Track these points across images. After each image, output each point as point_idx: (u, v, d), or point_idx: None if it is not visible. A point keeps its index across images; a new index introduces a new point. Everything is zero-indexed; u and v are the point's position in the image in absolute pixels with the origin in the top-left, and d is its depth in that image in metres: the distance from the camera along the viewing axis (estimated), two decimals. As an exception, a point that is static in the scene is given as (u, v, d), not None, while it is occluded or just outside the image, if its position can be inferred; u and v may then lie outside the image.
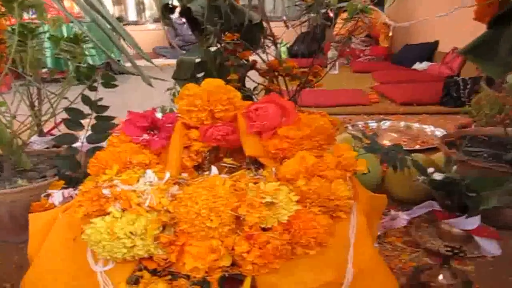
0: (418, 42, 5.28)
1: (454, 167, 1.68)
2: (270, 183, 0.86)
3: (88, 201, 0.87)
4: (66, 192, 1.15)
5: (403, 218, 1.28)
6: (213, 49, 1.87)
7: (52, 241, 0.96)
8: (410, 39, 5.57)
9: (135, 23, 6.68)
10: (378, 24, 5.52)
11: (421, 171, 1.63)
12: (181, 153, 1.02)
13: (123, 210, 0.83)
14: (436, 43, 4.99)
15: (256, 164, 1.09)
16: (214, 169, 0.99)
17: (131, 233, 0.80)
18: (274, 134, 1.01)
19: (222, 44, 1.74)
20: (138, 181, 0.87)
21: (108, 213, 0.83)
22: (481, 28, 1.36)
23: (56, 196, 1.13)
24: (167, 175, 0.90)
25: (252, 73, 1.81)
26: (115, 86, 1.94)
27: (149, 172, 0.89)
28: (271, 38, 1.88)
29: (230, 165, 1.10)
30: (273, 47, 1.90)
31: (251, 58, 1.80)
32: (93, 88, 1.84)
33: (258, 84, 1.80)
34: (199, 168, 1.12)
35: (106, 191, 0.85)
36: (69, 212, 0.96)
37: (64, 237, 0.94)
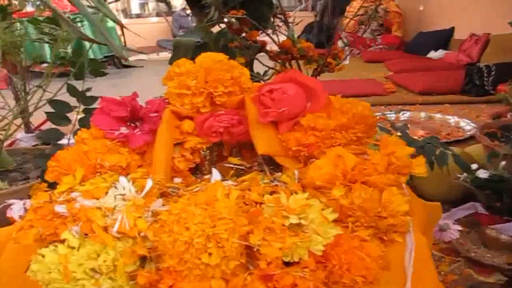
0: (432, 29, 4.95)
1: (502, 163, 1.39)
2: (296, 195, 0.59)
3: (41, 221, 0.60)
4: (29, 202, 0.87)
5: (454, 229, 1.00)
6: (216, 30, 1.59)
7: (1, 270, 0.69)
8: (423, 27, 5.23)
9: (138, 16, 6.41)
10: (390, 12, 5.20)
11: (464, 168, 1.35)
12: (171, 152, 0.75)
13: (85, 235, 0.56)
14: (451, 30, 4.66)
15: (272, 165, 0.81)
16: (215, 173, 0.71)
17: (93, 270, 0.53)
18: (296, 124, 0.73)
19: (226, 21, 1.45)
20: (106, 193, 0.60)
21: (63, 240, 0.56)
22: (498, 14, 1.07)
23: (16, 208, 0.86)
24: (149, 183, 0.62)
25: (261, 56, 1.53)
26: (104, 74, 1.68)
27: (123, 180, 0.62)
28: (282, 17, 1.60)
29: (237, 167, 0.83)
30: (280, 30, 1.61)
31: (259, 39, 1.52)
32: (79, 76, 1.57)
33: (269, 68, 1.52)
34: (196, 171, 0.84)
35: (60, 208, 0.58)
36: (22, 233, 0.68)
37: (16, 265, 0.67)
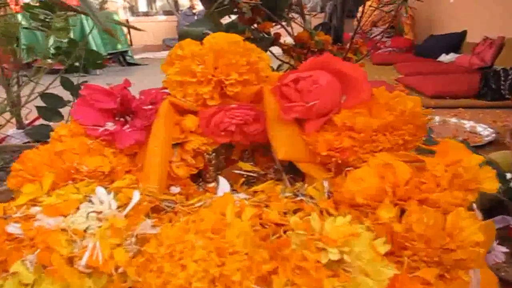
0: (444, 32, 4.76)
1: (540, 173, 1.22)
2: (333, 217, 0.42)
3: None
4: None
5: (499, 251, 0.82)
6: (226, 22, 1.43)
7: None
8: (434, 30, 5.05)
9: (146, 14, 6.26)
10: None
11: (499, 178, 1.18)
12: (168, 155, 0.59)
13: (44, 267, 0.40)
14: (463, 33, 4.47)
15: (291, 172, 0.65)
16: (223, 183, 0.55)
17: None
18: (327, 123, 0.56)
19: (237, 11, 1.29)
20: (78, 208, 0.44)
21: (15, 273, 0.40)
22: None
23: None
24: (135, 196, 0.46)
25: (275, 50, 1.36)
26: (102, 66, 1.52)
27: (101, 191, 0.46)
28: (298, 8, 1.44)
29: (248, 174, 0.67)
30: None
31: (273, 30, 1.35)
32: (75, 69, 1.42)
33: (283, 62, 1.36)
34: (199, 178, 0.68)
35: (13, 228, 0.42)
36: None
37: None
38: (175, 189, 0.61)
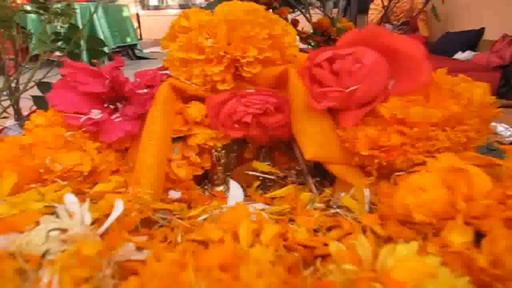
0: (460, 29, 4.58)
1: None
2: (393, 244, 0.30)
3: None
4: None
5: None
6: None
7: None
8: (451, 27, 4.86)
9: (156, 7, 6.13)
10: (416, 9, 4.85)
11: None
12: (166, 151, 0.46)
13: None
14: (481, 30, 4.28)
15: (317, 174, 0.53)
16: (235, 188, 0.43)
17: None
18: (369, 115, 0.44)
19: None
20: (38, 222, 0.32)
21: None
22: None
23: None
24: (118, 207, 0.33)
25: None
26: (104, 54, 1.40)
27: (70, 199, 0.33)
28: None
29: (265, 176, 0.54)
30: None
31: (290, 16, 1.23)
32: (75, 56, 1.30)
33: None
34: (204, 180, 0.55)
35: None
36: None
37: None
38: (174, 194, 0.49)
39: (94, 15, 4.10)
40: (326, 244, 0.36)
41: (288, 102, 0.46)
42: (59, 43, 1.31)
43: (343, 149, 0.45)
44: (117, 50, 4.29)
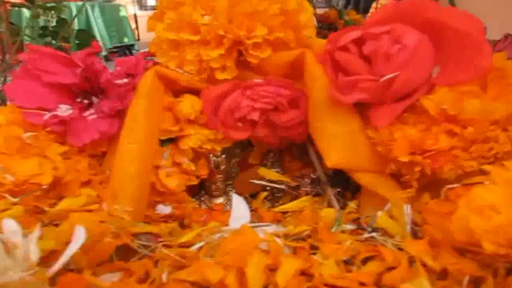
0: (461, 30, 4.51)
1: None
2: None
3: None
4: None
5: None
6: None
7: None
8: (450, 28, 4.80)
9: (154, 8, 6.01)
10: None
11: None
12: (152, 156, 0.36)
13: None
14: (482, 31, 4.22)
15: (337, 182, 0.43)
16: (238, 203, 0.33)
17: None
18: (409, 110, 0.34)
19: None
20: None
21: None
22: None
23: None
24: (79, 236, 0.24)
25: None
26: (106, 58, 1.31)
27: (9, 226, 0.23)
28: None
29: (274, 186, 0.45)
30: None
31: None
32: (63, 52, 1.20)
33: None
34: (200, 190, 0.46)
35: None
36: None
37: None
38: (163, 209, 0.40)
39: (91, 15, 4.00)
40: (363, 284, 0.26)
41: (304, 95, 0.36)
42: (47, 38, 1.21)
43: (375, 154, 0.36)
44: (114, 50, 4.19)
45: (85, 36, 1.30)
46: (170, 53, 0.37)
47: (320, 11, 1.12)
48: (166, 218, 0.41)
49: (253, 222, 0.42)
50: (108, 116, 0.36)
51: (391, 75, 0.32)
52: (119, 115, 0.36)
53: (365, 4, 1.61)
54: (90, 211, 0.32)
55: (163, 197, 0.40)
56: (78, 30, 1.29)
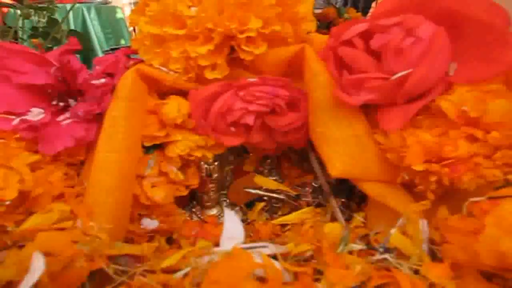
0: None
1: None
2: None
3: None
4: None
5: None
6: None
7: None
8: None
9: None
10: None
11: None
12: (134, 165, 0.32)
13: None
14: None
15: (340, 192, 0.39)
16: (230, 220, 0.29)
17: None
18: (423, 112, 0.30)
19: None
20: None
21: None
22: None
23: None
24: (37, 266, 0.20)
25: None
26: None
27: None
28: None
29: (271, 195, 0.41)
30: None
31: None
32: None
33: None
34: (192, 201, 0.42)
35: None
36: None
37: None
38: (150, 223, 0.36)
39: (87, 17, 3.96)
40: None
41: (304, 96, 0.32)
42: (38, 39, 1.17)
43: (384, 161, 0.32)
44: (111, 52, 4.15)
45: (78, 37, 1.25)
46: (154, 49, 0.32)
47: (317, 11, 1.08)
48: (153, 233, 0.37)
49: (249, 235, 0.38)
50: (84, 120, 0.32)
51: (404, 73, 0.28)
52: (98, 119, 0.32)
53: (364, 4, 1.57)
54: (62, 229, 0.28)
55: (149, 210, 0.35)
56: (70, 31, 1.25)
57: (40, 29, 1.18)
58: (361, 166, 0.32)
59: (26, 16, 1.15)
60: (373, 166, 0.32)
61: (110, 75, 0.33)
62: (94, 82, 0.32)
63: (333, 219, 0.38)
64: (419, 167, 0.29)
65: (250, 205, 0.43)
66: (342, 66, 0.31)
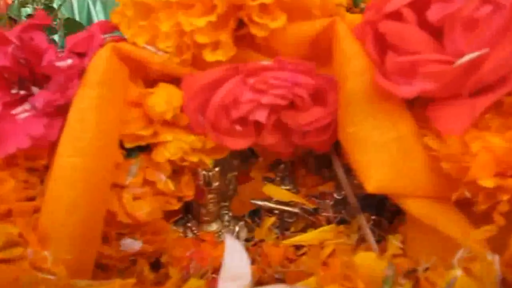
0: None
1: None
2: None
3: None
4: None
5: None
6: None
7: None
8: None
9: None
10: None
11: None
12: (111, 172, 0.24)
13: None
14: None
15: (367, 206, 0.31)
16: (231, 251, 0.21)
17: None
18: (491, 109, 0.22)
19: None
20: None
21: None
22: None
23: None
24: None
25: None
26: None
27: None
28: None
29: (283, 208, 0.33)
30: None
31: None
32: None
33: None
34: (187, 214, 0.34)
35: None
36: None
37: None
38: (132, 244, 0.28)
39: (92, 10, 3.89)
40: None
41: (334, 85, 0.24)
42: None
43: (436, 173, 0.24)
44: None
45: (74, 25, 1.18)
46: (138, 22, 0.25)
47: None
48: (136, 256, 0.29)
49: (256, 259, 0.31)
50: (44, 114, 0.24)
51: (476, 54, 0.20)
52: (63, 113, 0.25)
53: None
54: (6, 261, 0.21)
55: (131, 228, 0.28)
56: (67, 19, 1.17)
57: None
58: (405, 179, 0.24)
59: (22, 4, 1.08)
60: (422, 178, 0.24)
61: (81, 55, 0.25)
62: (59, 64, 0.24)
63: (361, 240, 0.31)
64: (489, 182, 0.21)
65: (256, 214, 0.36)
66: (384, 46, 0.23)
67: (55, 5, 1.01)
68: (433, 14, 0.21)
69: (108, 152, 0.24)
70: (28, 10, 1.02)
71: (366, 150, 0.24)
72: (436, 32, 0.22)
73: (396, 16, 0.23)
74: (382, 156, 0.23)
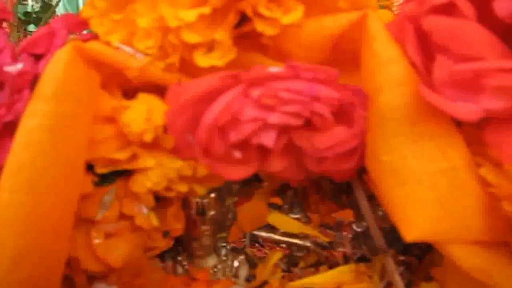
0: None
1: None
2: None
3: None
4: None
5: None
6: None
7: None
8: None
9: None
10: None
11: None
12: (70, 207, 0.19)
13: None
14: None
15: (396, 243, 0.26)
16: None
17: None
18: None
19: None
20: None
21: None
22: None
23: None
24: None
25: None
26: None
27: None
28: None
29: (292, 240, 0.27)
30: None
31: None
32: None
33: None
34: (177, 247, 0.28)
35: None
36: None
37: None
38: (105, 292, 0.22)
39: (80, 3, 3.84)
40: None
41: (364, 98, 0.18)
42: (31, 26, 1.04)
43: (493, 213, 0.18)
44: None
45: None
46: (111, 16, 0.19)
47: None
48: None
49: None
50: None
51: None
52: (12, 131, 0.19)
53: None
54: None
55: (104, 272, 0.22)
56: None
57: (33, 15, 1.04)
58: (454, 220, 0.18)
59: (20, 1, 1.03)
60: (474, 219, 0.18)
61: (38, 57, 0.20)
62: (7, 69, 0.19)
63: (387, 284, 0.25)
64: None
65: (257, 237, 0.30)
66: (430, 48, 0.17)
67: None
68: (503, 7, 0.16)
69: (68, 183, 0.18)
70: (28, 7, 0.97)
71: (405, 184, 0.18)
72: (504, 32, 0.16)
73: (448, 9, 0.17)
74: (427, 193, 0.18)
